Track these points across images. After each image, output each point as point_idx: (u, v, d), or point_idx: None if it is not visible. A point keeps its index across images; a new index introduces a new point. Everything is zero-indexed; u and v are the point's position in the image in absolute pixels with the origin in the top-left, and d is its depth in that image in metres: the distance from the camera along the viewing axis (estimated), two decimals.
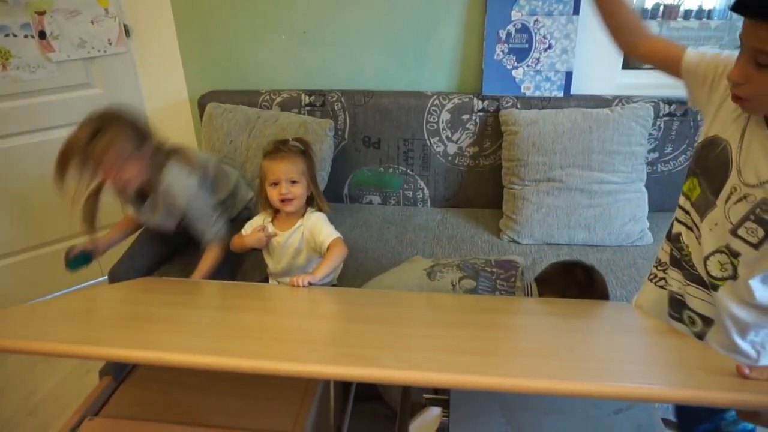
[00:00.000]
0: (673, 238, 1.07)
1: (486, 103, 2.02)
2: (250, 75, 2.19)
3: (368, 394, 1.57)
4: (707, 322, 1.01)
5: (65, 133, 2.12)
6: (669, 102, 1.93)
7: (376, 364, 0.73)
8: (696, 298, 1.02)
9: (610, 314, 1.14)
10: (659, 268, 1.11)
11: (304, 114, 2.09)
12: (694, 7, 2.57)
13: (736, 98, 0.86)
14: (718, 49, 0.99)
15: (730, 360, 0.82)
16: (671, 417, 1.57)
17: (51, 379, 1.93)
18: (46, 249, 2.28)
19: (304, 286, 1.29)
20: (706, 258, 0.96)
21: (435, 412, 1.03)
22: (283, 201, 1.44)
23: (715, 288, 0.96)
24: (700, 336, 1.02)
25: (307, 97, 2.10)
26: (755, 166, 0.88)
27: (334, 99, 2.08)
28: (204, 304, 1.18)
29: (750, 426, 1.05)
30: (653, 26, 2.67)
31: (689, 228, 1.02)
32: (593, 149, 1.84)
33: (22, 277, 2.25)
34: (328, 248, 1.42)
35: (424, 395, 1.08)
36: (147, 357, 0.79)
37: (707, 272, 0.97)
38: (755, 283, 0.91)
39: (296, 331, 0.95)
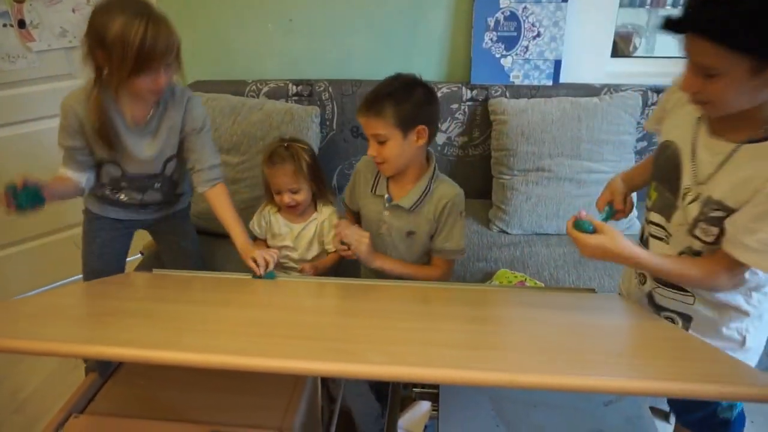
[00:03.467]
0: (643, 241, 1.10)
1: (475, 92, 2.00)
2: (236, 65, 2.15)
3: None
4: (686, 318, 1.03)
5: (48, 125, 2.11)
6: (657, 90, 1.92)
7: (361, 359, 0.72)
8: (667, 298, 1.05)
9: (598, 305, 1.14)
10: None
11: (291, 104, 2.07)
12: None
13: (699, 103, 0.90)
14: None
15: (717, 350, 0.82)
16: (663, 405, 1.58)
17: (37, 376, 1.91)
18: (27, 245, 2.24)
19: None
20: None
21: (425, 406, 1.02)
22: (289, 207, 1.54)
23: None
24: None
25: (294, 87, 2.07)
26: (703, 166, 0.93)
27: (322, 89, 2.06)
28: (189, 299, 1.17)
29: (740, 404, 1.07)
30: (641, 14, 2.65)
31: (656, 232, 1.05)
32: (582, 138, 1.84)
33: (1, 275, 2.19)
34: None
35: (413, 389, 1.08)
36: (133, 355, 0.78)
37: None
38: None
39: (281, 326, 0.94)
